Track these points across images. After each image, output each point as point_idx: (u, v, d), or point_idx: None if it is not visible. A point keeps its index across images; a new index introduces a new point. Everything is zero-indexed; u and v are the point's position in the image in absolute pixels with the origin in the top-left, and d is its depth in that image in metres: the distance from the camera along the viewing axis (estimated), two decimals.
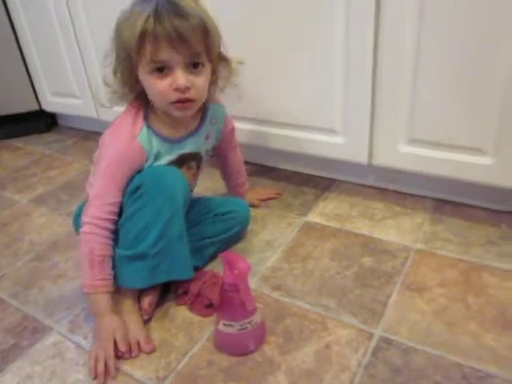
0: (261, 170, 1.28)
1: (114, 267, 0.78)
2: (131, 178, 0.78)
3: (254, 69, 1.02)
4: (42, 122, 1.74)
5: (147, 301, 0.80)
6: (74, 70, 1.46)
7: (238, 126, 1.13)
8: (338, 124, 1.02)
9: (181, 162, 0.85)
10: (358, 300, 0.81)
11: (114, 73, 0.77)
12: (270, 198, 1.14)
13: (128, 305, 0.79)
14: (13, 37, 1.56)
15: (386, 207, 1.07)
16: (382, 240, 0.96)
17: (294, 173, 1.25)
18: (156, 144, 0.80)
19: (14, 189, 1.34)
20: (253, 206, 1.09)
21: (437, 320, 0.76)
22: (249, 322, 0.72)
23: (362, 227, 1.01)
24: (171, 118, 0.79)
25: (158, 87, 0.73)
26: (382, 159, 1.01)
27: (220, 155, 1.03)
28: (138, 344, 0.75)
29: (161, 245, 0.77)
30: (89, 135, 1.66)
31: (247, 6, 1.01)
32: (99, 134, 1.64)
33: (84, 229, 0.76)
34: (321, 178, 1.22)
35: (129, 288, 0.79)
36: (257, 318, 0.73)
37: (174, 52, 0.69)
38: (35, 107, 1.68)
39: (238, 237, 0.99)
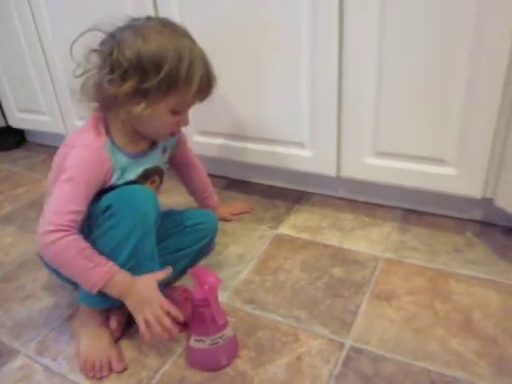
0: (233, 184, 1.28)
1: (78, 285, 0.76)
2: (97, 193, 0.76)
3: (224, 83, 1.03)
4: (10, 138, 1.71)
5: (116, 320, 0.80)
6: (41, 86, 1.45)
7: (210, 140, 1.14)
8: (306, 138, 1.04)
9: (146, 176, 0.85)
10: (328, 310, 0.82)
11: (117, 81, 0.73)
12: (242, 212, 1.15)
13: (97, 324, 0.78)
14: None
15: (356, 218, 1.09)
16: (352, 250, 0.98)
17: (266, 186, 1.26)
18: (120, 159, 0.79)
19: None
20: (225, 219, 1.10)
21: (405, 327, 0.78)
22: (220, 337, 0.71)
23: (332, 238, 1.02)
24: (135, 135, 0.80)
25: (167, 121, 0.79)
26: (350, 171, 1.03)
27: (180, 169, 1.03)
28: (110, 363, 0.74)
29: (130, 264, 0.75)
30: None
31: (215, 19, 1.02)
32: None
33: (54, 237, 0.70)
34: (292, 190, 1.23)
35: (95, 307, 0.78)
36: (228, 332, 0.73)
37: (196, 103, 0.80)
38: (1, 124, 1.65)
39: (209, 248, 1.00)
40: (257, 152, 1.12)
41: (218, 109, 1.10)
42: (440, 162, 0.92)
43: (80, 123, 1.42)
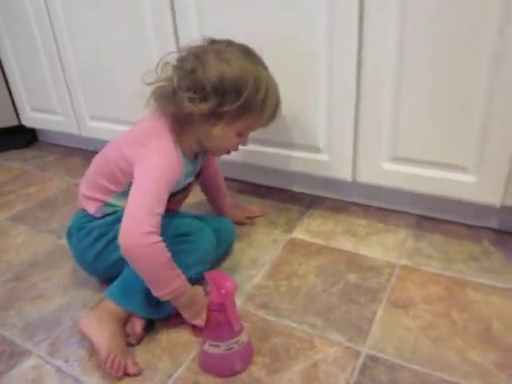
0: (247, 188, 1.27)
1: (125, 290, 0.78)
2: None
3: None
4: (21, 137, 1.71)
5: (140, 324, 0.79)
6: (55, 86, 1.45)
7: None
8: (322, 142, 1.03)
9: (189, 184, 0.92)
10: (344, 317, 0.81)
11: (197, 101, 0.77)
12: (256, 216, 1.14)
13: (118, 324, 0.77)
14: None
15: (370, 224, 1.08)
16: (367, 256, 0.97)
17: (280, 190, 1.25)
18: (186, 167, 0.84)
19: None
20: (239, 223, 1.09)
21: (422, 336, 0.76)
22: (235, 342, 0.70)
23: (347, 244, 1.01)
24: (195, 146, 0.85)
25: (232, 142, 0.85)
26: (366, 176, 1.02)
27: (206, 179, 1.04)
28: (126, 365, 0.73)
29: None
30: (70, 151, 1.64)
31: None
32: (81, 150, 1.64)
33: (153, 239, 0.71)
34: (305, 195, 1.22)
35: (134, 314, 0.79)
36: (243, 337, 0.72)
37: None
38: (15, 122, 1.65)
39: (226, 254, 0.99)
40: (272, 156, 1.11)
41: None
42: (459, 168, 0.91)
43: (92, 123, 1.42)
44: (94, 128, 1.43)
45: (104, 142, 0.91)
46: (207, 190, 1.08)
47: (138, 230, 0.71)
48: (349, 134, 0.98)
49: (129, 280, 0.79)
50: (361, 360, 0.73)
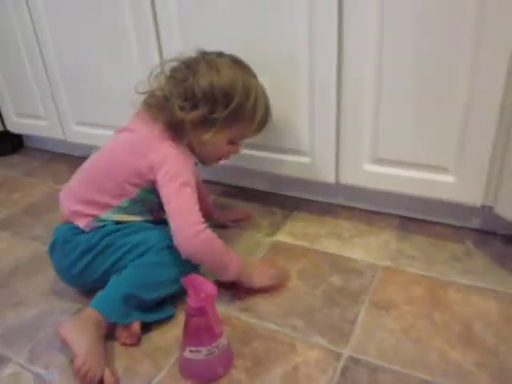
0: (230, 191, 1.27)
1: (109, 300, 0.78)
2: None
3: None
4: (7, 143, 1.70)
5: (137, 324, 0.79)
6: (39, 91, 1.44)
7: None
8: (304, 144, 1.03)
9: None
10: (326, 320, 0.81)
11: (188, 108, 0.80)
12: (239, 219, 1.14)
13: (99, 333, 0.76)
14: None
15: (354, 226, 1.08)
16: (350, 258, 0.97)
17: (263, 193, 1.25)
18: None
19: None
20: (223, 226, 1.09)
21: (404, 337, 0.77)
22: (216, 346, 0.70)
23: (330, 246, 1.01)
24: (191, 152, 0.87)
25: (223, 150, 0.89)
26: (349, 178, 1.02)
27: None
28: (102, 375, 0.71)
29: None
30: (55, 157, 1.63)
31: None
32: (66, 155, 1.63)
33: (207, 235, 0.79)
34: (289, 197, 1.22)
35: (118, 324, 0.78)
36: (224, 340, 0.71)
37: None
38: (0, 128, 1.64)
39: None
40: (255, 158, 1.11)
41: None
42: (439, 169, 0.91)
43: (77, 128, 1.41)
44: (79, 133, 1.42)
45: (89, 147, 0.91)
46: None
47: (192, 229, 0.78)
48: (331, 137, 0.98)
49: (112, 290, 0.79)
50: (342, 362, 0.73)
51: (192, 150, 0.86)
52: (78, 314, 0.82)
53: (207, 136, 0.82)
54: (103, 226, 0.85)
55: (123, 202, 0.84)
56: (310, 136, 1.01)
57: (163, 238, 0.83)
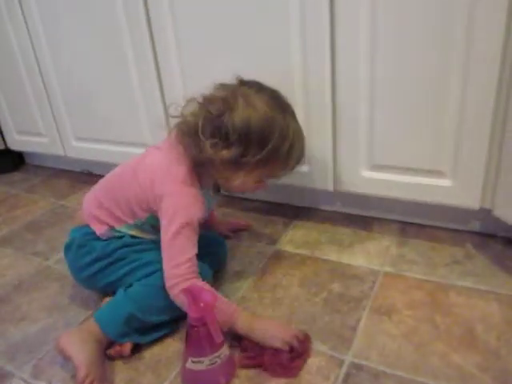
0: (231, 201, 1.28)
1: (112, 316, 0.78)
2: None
3: None
4: (8, 161, 1.72)
5: (129, 346, 0.79)
6: (39, 109, 1.46)
7: None
8: None
9: None
10: (327, 326, 0.81)
11: (220, 147, 0.76)
12: (240, 229, 1.14)
13: (100, 346, 0.76)
14: None
15: (354, 232, 1.09)
16: (351, 265, 0.97)
17: (263, 202, 1.26)
18: (208, 202, 0.84)
19: None
20: (224, 237, 1.09)
21: (406, 342, 0.76)
22: (218, 356, 0.70)
23: (331, 253, 1.02)
24: (210, 185, 0.86)
25: (250, 187, 0.84)
26: (347, 185, 1.03)
27: None
28: None
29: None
30: (56, 173, 1.64)
31: None
32: (67, 171, 1.64)
33: (178, 290, 0.75)
34: (289, 206, 1.23)
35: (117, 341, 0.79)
36: (225, 350, 0.71)
37: None
38: (1, 146, 1.66)
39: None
40: None
41: None
42: (436, 173, 0.92)
43: (77, 144, 1.43)
44: (79, 148, 1.43)
45: (90, 163, 0.91)
46: None
47: (168, 284, 0.77)
48: (328, 145, 0.99)
49: (117, 307, 0.79)
50: (344, 369, 0.73)
51: (216, 183, 0.86)
52: (80, 325, 0.82)
53: (236, 177, 0.79)
54: (120, 237, 0.85)
55: (136, 221, 0.84)
56: (307, 144, 1.02)
57: None
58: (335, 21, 0.88)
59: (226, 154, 0.75)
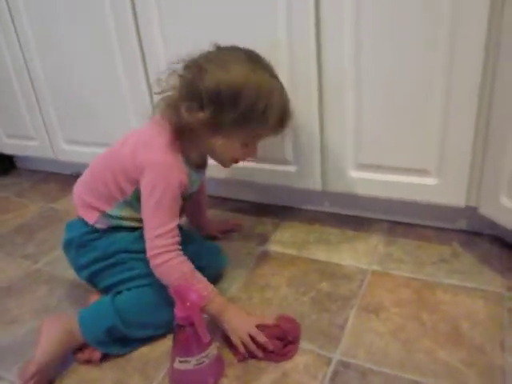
0: (220, 202, 1.28)
1: (93, 321, 0.78)
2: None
3: None
4: None
5: (99, 355, 0.79)
6: (28, 111, 1.45)
7: None
8: (289, 154, 1.04)
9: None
10: (315, 325, 0.82)
11: (195, 110, 0.76)
12: (230, 230, 1.15)
13: (68, 348, 0.77)
14: None
15: (342, 232, 1.09)
16: (339, 264, 0.98)
17: (252, 203, 1.27)
18: (192, 174, 0.84)
19: None
20: (213, 238, 1.10)
21: (393, 339, 0.77)
22: (205, 356, 0.70)
23: (319, 253, 1.02)
24: (201, 154, 0.86)
25: (237, 153, 0.82)
26: (335, 185, 1.04)
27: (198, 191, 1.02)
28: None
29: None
30: (47, 176, 1.64)
31: None
32: (57, 174, 1.64)
33: (161, 260, 0.76)
34: (278, 206, 1.23)
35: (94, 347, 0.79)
36: (213, 350, 0.72)
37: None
38: None
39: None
40: (243, 169, 1.12)
41: None
42: (421, 172, 0.93)
43: (67, 147, 1.42)
44: (69, 151, 1.43)
45: (80, 165, 0.91)
46: (193, 204, 1.05)
47: (149, 253, 0.77)
48: (315, 144, 1.00)
49: (101, 316, 0.79)
50: (332, 367, 0.73)
51: (203, 154, 0.86)
52: (67, 317, 0.81)
53: (216, 140, 0.79)
54: (118, 227, 0.85)
55: (125, 198, 0.83)
56: (295, 145, 1.03)
57: None
58: (320, 13, 0.89)
59: (201, 116, 0.75)
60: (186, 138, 0.80)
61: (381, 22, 0.85)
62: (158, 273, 0.78)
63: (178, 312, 0.68)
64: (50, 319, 0.79)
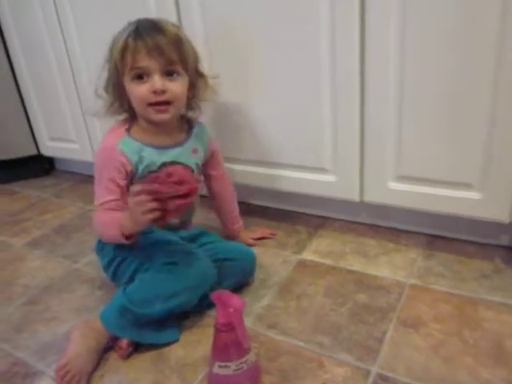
0: (254, 210, 1.29)
1: (116, 315, 0.82)
2: (129, 180, 0.87)
3: (250, 112, 1.08)
4: (39, 166, 1.77)
5: (125, 342, 0.81)
6: (72, 116, 1.50)
7: (232, 166, 1.16)
8: (328, 163, 1.04)
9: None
10: (353, 337, 0.81)
11: (106, 89, 0.88)
12: (264, 238, 1.15)
13: (96, 346, 0.80)
14: (13, 84, 1.61)
15: (379, 244, 1.08)
16: (376, 276, 0.97)
17: (288, 211, 1.27)
18: (138, 149, 0.87)
19: (9, 233, 1.34)
20: (247, 244, 1.10)
21: (433, 355, 0.76)
22: (244, 362, 0.71)
23: (356, 264, 1.01)
24: (155, 128, 0.89)
25: (138, 91, 0.83)
26: (373, 196, 1.03)
27: (212, 182, 1.06)
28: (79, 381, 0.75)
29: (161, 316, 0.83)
30: (85, 179, 1.68)
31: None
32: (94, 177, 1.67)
33: (96, 215, 0.87)
34: (314, 216, 1.23)
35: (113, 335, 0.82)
36: (252, 356, 0.72)
37: (150, 59, 0.81)
38: (34, 152, 1.71)
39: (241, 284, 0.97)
40: (279, 178, 1.13)
41: (243, 136, 1.12)
42: (464, 186, 0.91)
43: None
44: None
45: None
46: (213, 197, 1.08)
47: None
48: (355, 154, 1.00)
49: (113, 300, 0.84)
50: (370, 379, 0.72)
51: (150, 120, 0.87)
52: (92, 319, 0.84)
53: (129, 91, 0.84)
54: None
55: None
56: (334, 154, 1.03)
57: (162, 256, 0.85)
58: (365, 15, 0.89)
59: (107, 81, 0.88)
60: (123, 111, 0.90)
61: (423, 38, 0.84)
62: (94, 225, 0.88)
63: (220, 318, 0.68)
64: (77, 325, 0.84)
